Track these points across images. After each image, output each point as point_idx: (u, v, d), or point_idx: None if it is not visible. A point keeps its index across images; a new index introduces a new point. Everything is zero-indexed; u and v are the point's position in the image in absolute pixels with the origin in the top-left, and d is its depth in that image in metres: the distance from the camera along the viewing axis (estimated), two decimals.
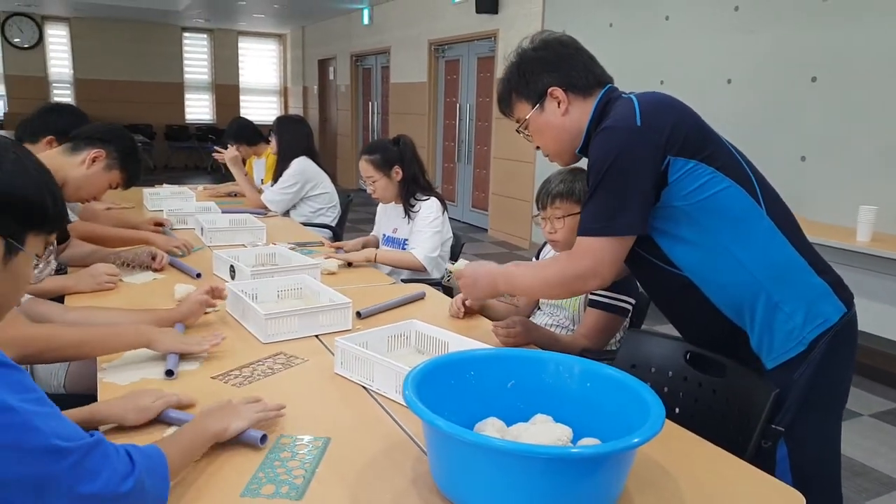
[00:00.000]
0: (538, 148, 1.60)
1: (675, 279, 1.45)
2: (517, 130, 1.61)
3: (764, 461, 1.34)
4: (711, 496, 1.11)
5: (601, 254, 1.40)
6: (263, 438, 1.19)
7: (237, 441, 1.18)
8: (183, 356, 1.57)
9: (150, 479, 0.92)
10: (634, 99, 1.43)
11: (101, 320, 1.68)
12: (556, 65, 1.49)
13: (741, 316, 1.42)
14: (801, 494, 1.11)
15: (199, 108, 13.56)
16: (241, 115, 4.05)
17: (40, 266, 1.01)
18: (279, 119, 4.14)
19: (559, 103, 1.49)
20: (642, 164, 1.35)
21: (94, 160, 2.12)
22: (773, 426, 1.37)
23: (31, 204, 0.94)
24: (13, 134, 3.58)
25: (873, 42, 3.77)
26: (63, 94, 12.35)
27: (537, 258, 2.21)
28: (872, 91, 3.79)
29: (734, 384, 1.48)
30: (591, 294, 1.96)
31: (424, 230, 2.79)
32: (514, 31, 6.79)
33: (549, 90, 1.49)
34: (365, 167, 2.86)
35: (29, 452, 0.78)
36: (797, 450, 1.39)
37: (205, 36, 13.39)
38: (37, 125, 2.65)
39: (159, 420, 1.26)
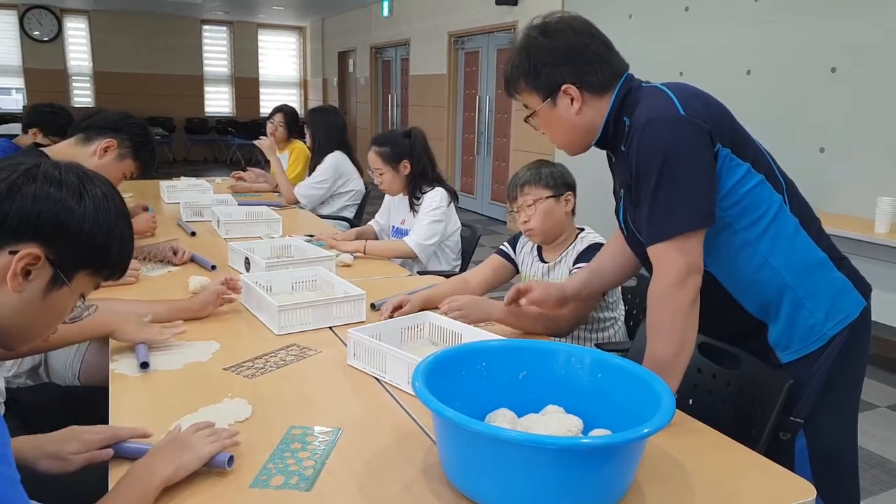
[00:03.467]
0: (544, 133, 1.53)
1: None
2: (525, 118, 1.54)
3: (782, 453, 1.34)
4: (722, 488, 1.10)
5: (684, 252, 1.28)
6: (231, 461, 1.08)
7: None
8: (152, 349, 1.56)
9: None
10: (665, 88, 1.35)
11: (121, 311, 1.70)
12: (569, 58, 1.39)
13: (765, 312, 1.39)
14: (812, 486, 1.10)
15: (218, 101, 13.63)
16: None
17: (80, 306, 0.98)
18: (312, 111, 4.13)
19: (572, 101, 1.40)
20: (697, 152, 1.27)
21: (105, 150, 2.09)
22: (792, 418, 1.35)
23: (94, 244, 0.92)
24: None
25: (894, 32, 3.69)
26: (82, 87, 12.46)
27: (514, 249, 2.19)
28: (892, 82, 3.71)
29: (748, 376, 1.46)
30: (575, 268, 1.94)
31: (423, 218, 2.77)
32: None
33: (563, 87, 1.39)
34: (373, 158, 2.85)
35: None
36: (816, 441, 1.38)
37: (224, 28, 13.46)
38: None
39: (117, 454, 1.11)
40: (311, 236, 2.91)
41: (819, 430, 1.38)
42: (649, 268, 1.37)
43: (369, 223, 3.17)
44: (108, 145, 2.09)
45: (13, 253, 0.87)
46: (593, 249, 1.91)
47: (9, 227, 0.87)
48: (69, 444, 1.11)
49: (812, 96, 4.15)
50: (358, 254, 2.64)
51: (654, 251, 1.32)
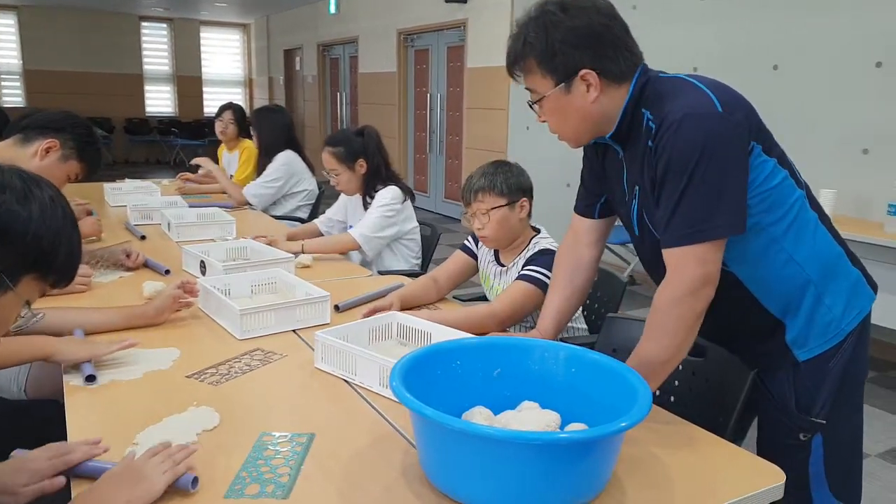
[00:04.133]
0: (544, 121, 1.38)
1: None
2: (529, 103, 1.38)
3: (798, 452, 1.35)
4: (698, 477, 1.12)
5: (704, 261, 1.21)
6: (195, 482, 1.02)
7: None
8: (97, 363, 1.47)
9: None
10: (696, 81, 1.26)
11: (71, 320, 1.62)
12: (590, 41, 1.26)
13: (786, 311, 1.34)
14: (780, 470, 1.14)
15: (159, 101, 13.23)
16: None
17: (26, 314, 0.94)
18: (257, 111, 4.05)
19: (589, 88, 1.28)
20: (734, 152, 1.19)
21: (47, 151, 1.96)
22: (813, 419, 1.33)
23: (40, 248, 0.89)
24: None
25: None
26: (12, 87, 11.89)
27: (476, 244, 2.18)
28: None
29: (713, 365, 1.49)
30: (524, 269, 1.92)
31: (372, 212, 2.74)
32: (483, 21, 6.77)
33: (581, 73, 1.27)
34: (328, 160, 2.80)
35: None
36: (832, 439, 1.36)
37: (164, 25, 13.07)
38: None
39: (74, 474, 1.06)
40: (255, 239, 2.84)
41: (835, 428, 1.35)
42: (656, 273, 1.29)
43: (313, 221, 3.12)
44: (49, 146, 1.97)
45: None
46: (545, 254, 1.92)
47: None
48: (18, 476, 1.04)
49: (856, 92, 3.74)
50: (314, 254, 2.59)
51: (671, 254, 1.24)
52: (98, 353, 1.47)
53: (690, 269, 1.21)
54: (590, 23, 1.25)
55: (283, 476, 1.07)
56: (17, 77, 11.94)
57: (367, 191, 2.83)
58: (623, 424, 0.96)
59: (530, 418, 1.15)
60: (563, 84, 1.28)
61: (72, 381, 1.41)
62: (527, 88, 1.35)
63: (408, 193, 2.83)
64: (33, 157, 1.96)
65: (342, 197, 3.05)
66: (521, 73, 1.33)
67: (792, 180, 1.29)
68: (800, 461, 1.35)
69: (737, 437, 1.38)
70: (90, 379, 1.40)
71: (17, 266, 0.89)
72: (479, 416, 1.15)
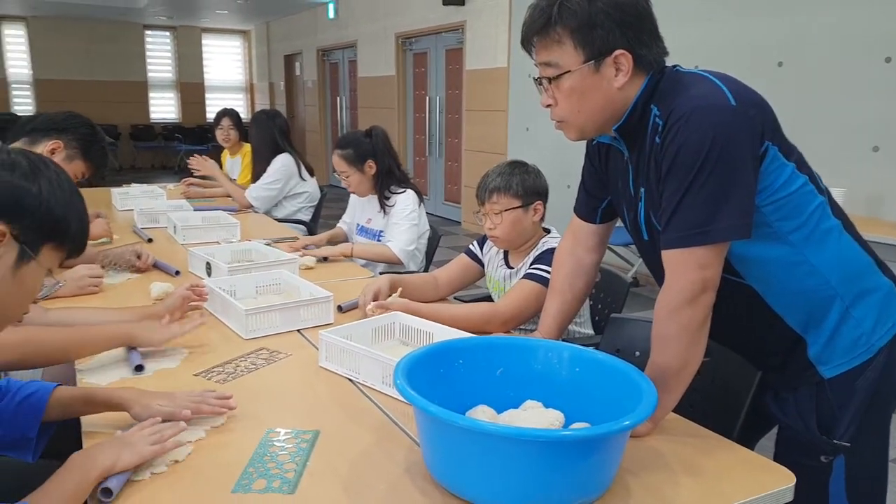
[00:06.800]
0: (549, 106, 1.26)
1: (732, 287, 1.23)
2: (539, 79, 1.25)
3: (818, 475, 1.26)
4: (704, 477, 1.11)
5: (703, 266, 1.13)
6: (107, 493, 1.00)
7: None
8: (157, 353, 1.55)
9: None
10: (710, 75, 1.18)
11: (81, 320, 1.64)
12: (634, 20, 1.16)
13: (808, 325, 1.24)
14: (791, 473, 1.11)
15: (164, 107, 13.31)
16: None
17: (49, 283, 1.02)
18: (254, 116, 4.07)
19: (618, 72, 1.18)
20: (745, 150, 1.10)
21: (52, 152, 1.96)
22: (836, 441, 1.24)
23: (54, 217, 0.96)
24: None
25: None
26: (23, 96, 12.04)
27: (481, 249, 2.17)
28: None
29: (718, 365, 1.47)
30: (530, 268, 1.91)
31: (401, 223, 2.77)
32: (481, 23, 6.79)
33: (616, 53, 1.16)
34: (338, 162, 2.83)
35: None
36: (855, 463, 1.26)
37: (167, 33, 13.14)
38: None
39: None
40: (293, 239, 2.88)
41: (859, 452, 1.25)
42: (663, 278, 1.21)
43: (338, 225, 3.15)
44: (54, 147, 1.97)
45: None
46: (551, 253, 1.92)
47: None
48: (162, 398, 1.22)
49: (866, 88, 3.67)
50: (344, 256, 2.66)
51: (670, 256, 1.16)
52: (175, 334, 1.54)
53: (689, 273, 1.13)
54: (636, 1, 1.17)
55: (288, 472, 1.09)
56: (28, 86, 12.08)
57: (382, 191, 2.85)
58: (627, 423, 0.96)
59: (534, 417, 1.15)
60: (592, 61, 1.17)
61: (85, 379, 1.43)
62: (542, 63, 1.22)
63: (420, 196, 2.86)
64: None
65: (351, 199, 3.08)
66: (542, 41, 1.20)
67: (812, 186, 1.20)
68: (819, 482, 1.27)
69: (745, 443, 1.30)
70: (139, 369, 1.46)
71: (36, 237, 0.95)
72: (482, 415, 1.15)
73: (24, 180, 0.94)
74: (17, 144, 2.02)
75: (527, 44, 1.23)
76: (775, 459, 1.27)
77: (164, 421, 1.16)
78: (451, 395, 1.16)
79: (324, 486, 1.06)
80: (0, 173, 0.93)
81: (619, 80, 1.18)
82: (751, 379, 1.37)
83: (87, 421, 1.23)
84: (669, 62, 1.25)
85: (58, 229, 0.98)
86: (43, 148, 1.97)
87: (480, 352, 1.26)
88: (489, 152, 6.83)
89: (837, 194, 3.52)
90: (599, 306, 2.26)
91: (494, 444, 0.96)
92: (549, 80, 1.22)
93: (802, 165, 1.21)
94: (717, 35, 4.48)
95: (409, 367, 1.11)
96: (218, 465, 1.10)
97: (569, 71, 1.18)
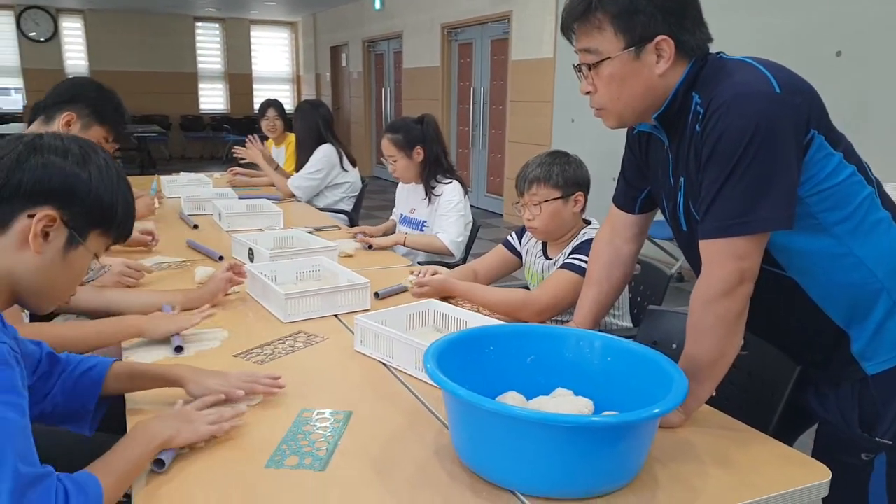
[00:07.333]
0: (588, 93, 1.25)
1: (773, 279, 1.20)
2: (579, 65, 1.24)
3: (858, 472, 1.24)
4: (735, 469, 1.10)
5: (741, 256, 1.11)
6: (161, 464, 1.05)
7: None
8: (200, 334, 1.61)
9: None
10: (755, 62, 1.15)
11: (133, 301, 1.73)
12: (674, 6, 1.15)
13: (852, 319, 1.21)
14: (827, 468, 1.09)
15: (213, 98, 13.58)
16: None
17: (95, 267, 1.07)
18: (298, 106, 4.13)
19: (659, 58, 1.16)
20: (789, 138, 1.07)
21: (67, 124, 1.90)
22: (878, 439, 1.21)
23: (102, 204, 1.00)
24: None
25: None
26: None
27: (520, 240, 2.17)
28: None
29: (756, 358, 1.45)
30: (568, 257, 1.89)
31: (449, 214, 2.78)
32: (528, 13, 6.74)
33: (658, 39, 1.15)
34: (386, 146, 2.85)
35: None
36: None
37: (217, 25, 13.39)
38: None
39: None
40: (335, 228, 2.93)
41: None
42: (699, 268, 1.19)
43: (391, 217, 3.18)
44: (68, 119, 1.91)
45: (31, 217, 0.95)
46: (591, 244, 1.90)
47: (25, 193, 0.95)
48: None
49: None
50: (398, 244, 2.72)
51: (707, 246, 1.14)
52: (183, 326, 1.57)
53: (727, 264, 1.11)
54: None
55: (320, 450, 1.12)
56: None
57: (428, 179, 2.86)
58: (656, 410, 0.96)
59: (563, 404, 1.15)
60: (633, 48, 1.16)
61: (130, 357, 1.49)
62: (582, 50, 1.21)
63: (465, 188, 2.88)
64: None
65: (398, 189, 3.10)
66: (582, 27, 1.19)
67: (861, 176, 1.17)
68: (859, 480, 1.24)
69: (783, 440, 1.27)
70: (178, 350, 1.51)
71: (84, 223, 1.00)
72: (511, 401, 1.16)
73: (77, 167, 0.98)
74: (35, 124, 1.98)
75: (567, 30, 1.23)
76: (813, 456, 1.24)
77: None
78: (482, 380, 1.16)
79: (354, 465, 1.09)
80: (54, 159, 0.97)
81: (660, 66, 1.17)
82: (789, 373, 1.35)
83: (131, 398, 1.28)
84: (725, 50, 1.23)
85: (105, 216, 1.02)
86: (58, 123, 1.93)
87: (512, 339, 1.27)
88: (533, 144, 6.78)
89: (892, 189, 3.43)
90: (639, 299, 2.23)
91: (521, 428, 0.96)
92: (589, 66, 1.21)
93: (850, 155, 1.17)
94: (771, 25, 4.35)
95: (440, 351, 1.13)
96: (252, 441, 1.14)
97: (609, 57, 1.17)
